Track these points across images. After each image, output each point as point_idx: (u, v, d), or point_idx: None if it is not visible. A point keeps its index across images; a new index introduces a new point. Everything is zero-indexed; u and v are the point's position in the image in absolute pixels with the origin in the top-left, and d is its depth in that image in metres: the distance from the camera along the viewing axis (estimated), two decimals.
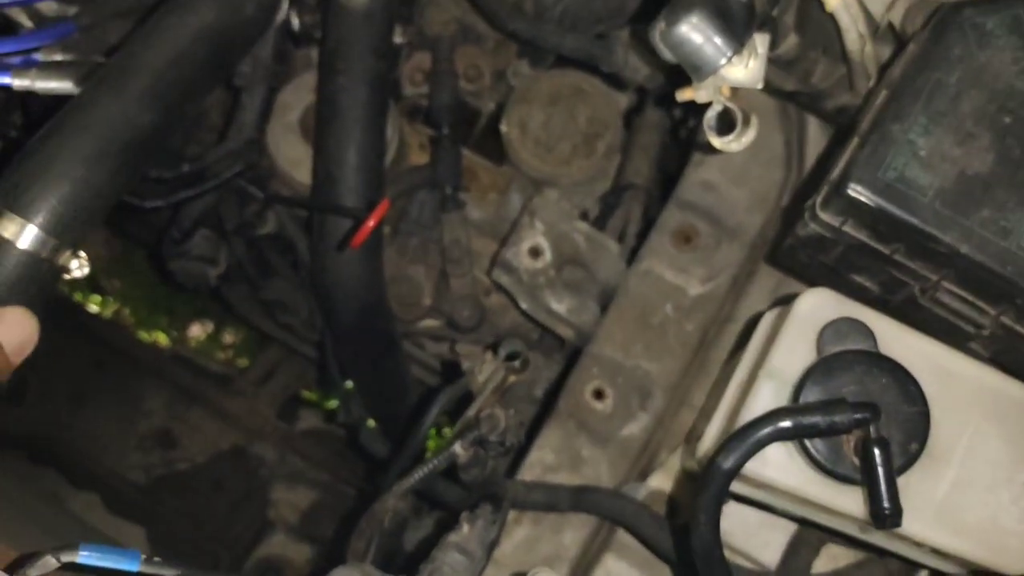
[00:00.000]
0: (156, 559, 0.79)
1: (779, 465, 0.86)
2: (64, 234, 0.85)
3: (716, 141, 1.01)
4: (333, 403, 2.51)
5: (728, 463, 0.80)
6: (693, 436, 1.27)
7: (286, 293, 1.62)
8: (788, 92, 1.20)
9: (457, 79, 1.57)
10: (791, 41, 1.15)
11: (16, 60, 1.24)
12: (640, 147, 1.60)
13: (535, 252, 1.44)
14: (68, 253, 0.86)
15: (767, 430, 0.79)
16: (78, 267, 0.87)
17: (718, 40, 0.93)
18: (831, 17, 1.12)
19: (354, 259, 1.36)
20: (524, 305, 1.45)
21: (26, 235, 0.83)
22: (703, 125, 1.02)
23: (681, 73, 1.01)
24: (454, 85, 1.56)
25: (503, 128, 1.56)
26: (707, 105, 1.01)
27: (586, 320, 1.44)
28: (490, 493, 1.12)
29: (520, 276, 1.44)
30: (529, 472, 1.36)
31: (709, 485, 0.81)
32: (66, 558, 0.75)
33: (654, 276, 1.43)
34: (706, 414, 1.28)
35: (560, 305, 1.44)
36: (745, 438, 0.80)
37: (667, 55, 0.98)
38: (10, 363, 0.77)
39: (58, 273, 0.86)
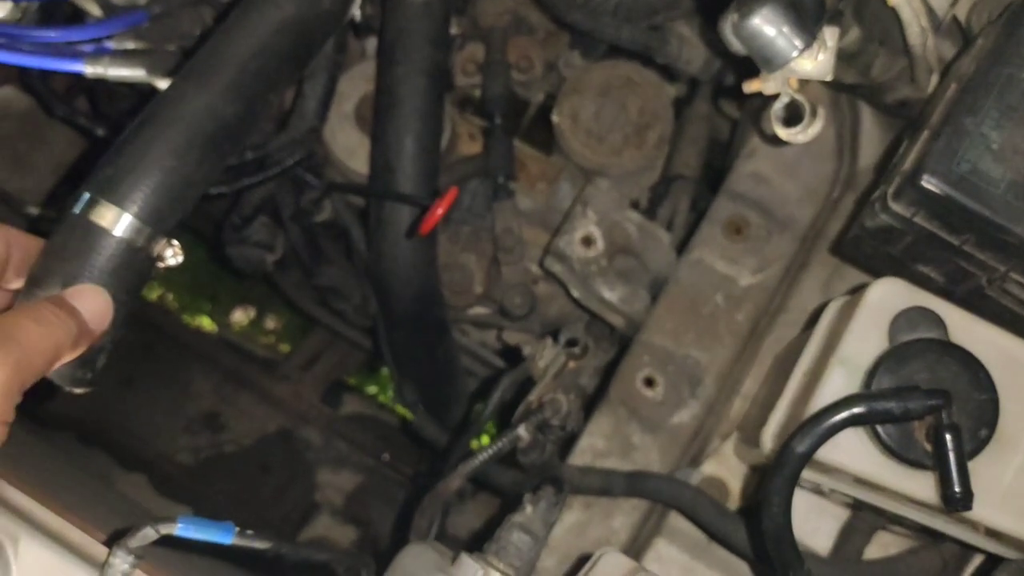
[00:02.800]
0: (248, 532, 0.82)
1: (850, 450, 0.88)
2: (158, 223, 0.86)
3: (783, 132, 1.02)
4: (373, 388, 2.55)
5: (803, 447, 0.82)
6: (747, 425, 1.29)
7: (339, 279, 1.65)
8: (848, 84, 1.22)
9: (509, 70, 1.59)
10: (853, 34, 1.16)
11: (88, 48, 1.27)
12: (689, 138, 1.62)
13: (588, 241, 1.46)
14: (163, 241, 0.88)
15: (842, 415, 0.82)
16: (172, 255, 0.89)
17: (790, 33, 0.95)
18: (891, 10, 1.13)
19: (411, 247, 1.38)
20: (576, 293, 1.47)
21: (122, 223, 0.84)
22: (770, 116, 1.04)
23: (743, 64, 1.03)
24: (507, 76, 1.58)
25: (555, 119, 1.58)
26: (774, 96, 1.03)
27: (637, 309, 1.46)
28: (551, 476, 1.14)
29: (572, 264, 1.46)
30: (580, 457, 1.38)
31: (783, 468, 0.83)
32: (165, 530, 0.78)
33: (705, 266, 1.45)
34: (760, 403, 1.31)
35: (612, 293, 1.46)
36: (820, 423, 0.82)
37: (737, 47, 1.00)
38: (92, 332, 0.80)
39: (153, 261, 0.88)
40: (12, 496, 0.81)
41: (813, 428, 0.82)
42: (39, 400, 0.92)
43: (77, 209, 0.86)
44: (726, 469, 1.29)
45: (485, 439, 2.48)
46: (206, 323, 2.34)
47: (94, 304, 0.82)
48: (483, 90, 1.59)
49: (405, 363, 1.62)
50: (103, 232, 0.84)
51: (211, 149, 0.90)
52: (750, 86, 1.04)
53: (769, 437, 1.01)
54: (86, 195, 0.86)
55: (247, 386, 2.09)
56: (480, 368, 1.89)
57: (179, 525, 0.79)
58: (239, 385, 2.09)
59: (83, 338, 0.79)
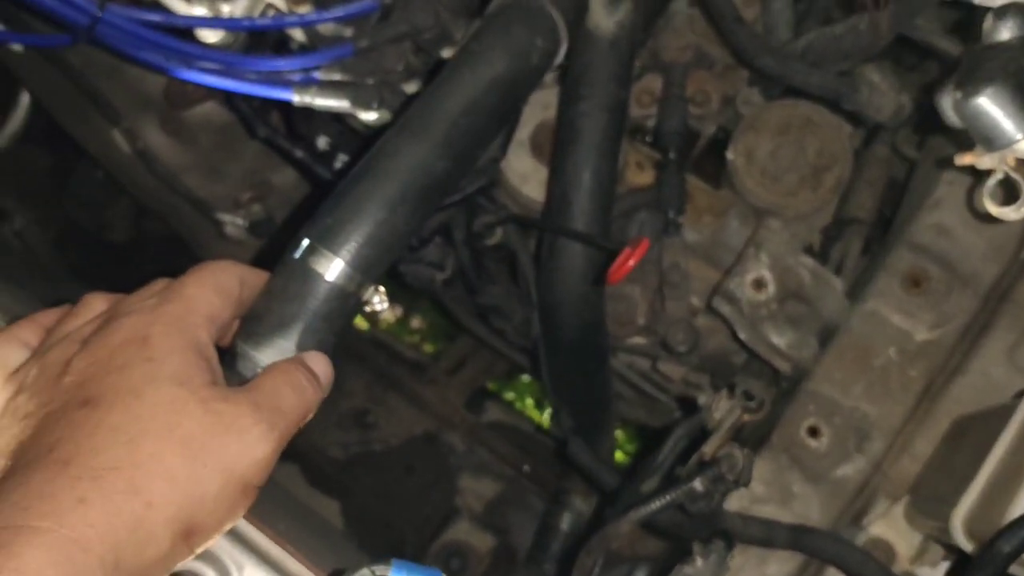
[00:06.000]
0: None
1: None
2: (367, 270, 0.90)
3: (995, 210, 1.00)
4: (511, 394, 2.60)
5: (1009, 547, 0.81)
6: (922, 491, 1.26)
7: (502, 299, 1.69)
8: None
9: (687, 104, 1.59)
10: None
11: (296, 77, 1.34)
12: (866, 181, 1.59)
13: (759, 284, 1.45)
14: (371, 288, 0.93)
15: None
16: (379, 301, 0.93)
17: (1016, 114, 0.92)
18: None
19: (586, 285, 1.40)
20: (743, 335, 1.47)
21: (335, 269, 0.89)
22: (982, 192, 1.01)
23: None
24: (684, 111, 1.58)
25: (729, 155, 1.57)
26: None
27: (805, 356, 1.45)
28: (721, 528, 1.15)
29: (742, 307, 1.45)
30: (736, 501, 1.39)
31: (986, 566, 0.82)
32: (380, 572, 0.83)
33: (879, 318, 1.42)
34: (936, 469, 1.28)
35: (780, 339, 1.45)
36: None
37: (954, 121, 0.98)
38: (324, 397, 0.85)
39: (361, 306, 0.93)
40: (239, 525, 0.87)
41: (1020, 530, 0.81)
42: None
43: (297, 254, 0.91)
44: (895, 532, 1.27)
45: (619, 455, 2.50)
46: (359, 319, 2.43)
47: (323, 370, 0.86)
48: (659, 123, 1.59)
49: (563, 389, 1.64)
50: (319, 277, 0.89)
51: (421, 203, 0.94)
52: (962, 159, 1.01)
53: (959, 522, 0.99)
54: (306, 241, 0.91)
55: (396, 387, 2.16)
56: (626, 390, 1.90)
57: (392, 568, 0.83)
58: (388, 386, 2.15)
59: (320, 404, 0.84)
